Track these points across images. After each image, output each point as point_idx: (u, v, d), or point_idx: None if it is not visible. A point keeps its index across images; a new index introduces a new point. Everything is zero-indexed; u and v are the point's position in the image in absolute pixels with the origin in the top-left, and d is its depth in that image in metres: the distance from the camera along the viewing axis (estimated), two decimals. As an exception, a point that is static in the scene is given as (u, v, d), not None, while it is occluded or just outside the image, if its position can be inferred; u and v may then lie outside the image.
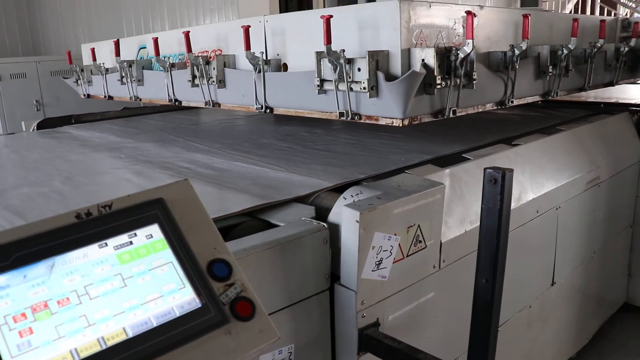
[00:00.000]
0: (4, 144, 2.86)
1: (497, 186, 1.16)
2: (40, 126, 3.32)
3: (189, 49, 2.22)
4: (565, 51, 2.16)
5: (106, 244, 0.84)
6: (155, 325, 0.81)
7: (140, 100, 2.90)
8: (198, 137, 2.75)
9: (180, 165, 2.15)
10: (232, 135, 2.81)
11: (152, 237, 0.88)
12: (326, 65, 1.70)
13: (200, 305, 0.85)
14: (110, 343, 0.77)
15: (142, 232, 0.87)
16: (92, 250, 0.82)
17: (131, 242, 0.86)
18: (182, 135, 2.86)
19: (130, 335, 0.78)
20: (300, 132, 2.70)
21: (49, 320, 0.74)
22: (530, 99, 2.20)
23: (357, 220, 1.28)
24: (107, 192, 1.84)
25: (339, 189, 1.58)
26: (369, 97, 1.62)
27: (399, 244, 1.41)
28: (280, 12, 5.26)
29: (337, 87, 1.69)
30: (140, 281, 0.83)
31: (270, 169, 1.95)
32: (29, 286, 0.76)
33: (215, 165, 2.09)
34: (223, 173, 1.96)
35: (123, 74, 2.81)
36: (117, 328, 0.78)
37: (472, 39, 1.60)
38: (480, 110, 1.93)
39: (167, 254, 0.87)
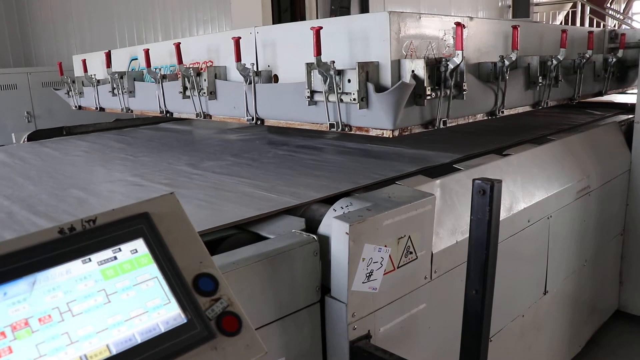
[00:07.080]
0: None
1: (486, 197, 1.16)
2: (31, 138, 3.29)
3: (180, 61, 2.22)
4: (554, 62, 2.18)
5: (90, 260, 0.83)
6: (139, 341, 0.79)
7: (132, 111, 2.89)
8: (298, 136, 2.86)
9: (318, 146, 2.31)
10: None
11: (137, 252, 0.86)
12: (316, 76, 1.70)
13: (185, 321, 0.84)
14: (93, 361, 0.75)
15: (126, 247, 0.86)
16: (75, 266, 0.81)
17: (115, 257, 0.85)
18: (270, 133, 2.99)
19: (114, 352, 0.77)
20: None
21: (30, 338, 0.73)
22: (520, 109, 2.21)
23: (346, 232, 1.28)
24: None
25: (329, 201, 1.58)
26: (359, 109, 1.62)
27: (390, 256, 1.41)
28: (274, 23, 5.28)
29: (327, 98, 1.69)
30: (124, 297, 0.82)
31: (402, 148, 2.14)
32: (9, 304, 0.74)
33: (350, 147, 2.24)
34: (366, 152, 2.12)
35: (114, 86, 2.80)
36: (101, 345, 0.77)
37: (462, 50, 1.61)
38: (470, 120, 1.93)
39: (152, 269, 0.86)
